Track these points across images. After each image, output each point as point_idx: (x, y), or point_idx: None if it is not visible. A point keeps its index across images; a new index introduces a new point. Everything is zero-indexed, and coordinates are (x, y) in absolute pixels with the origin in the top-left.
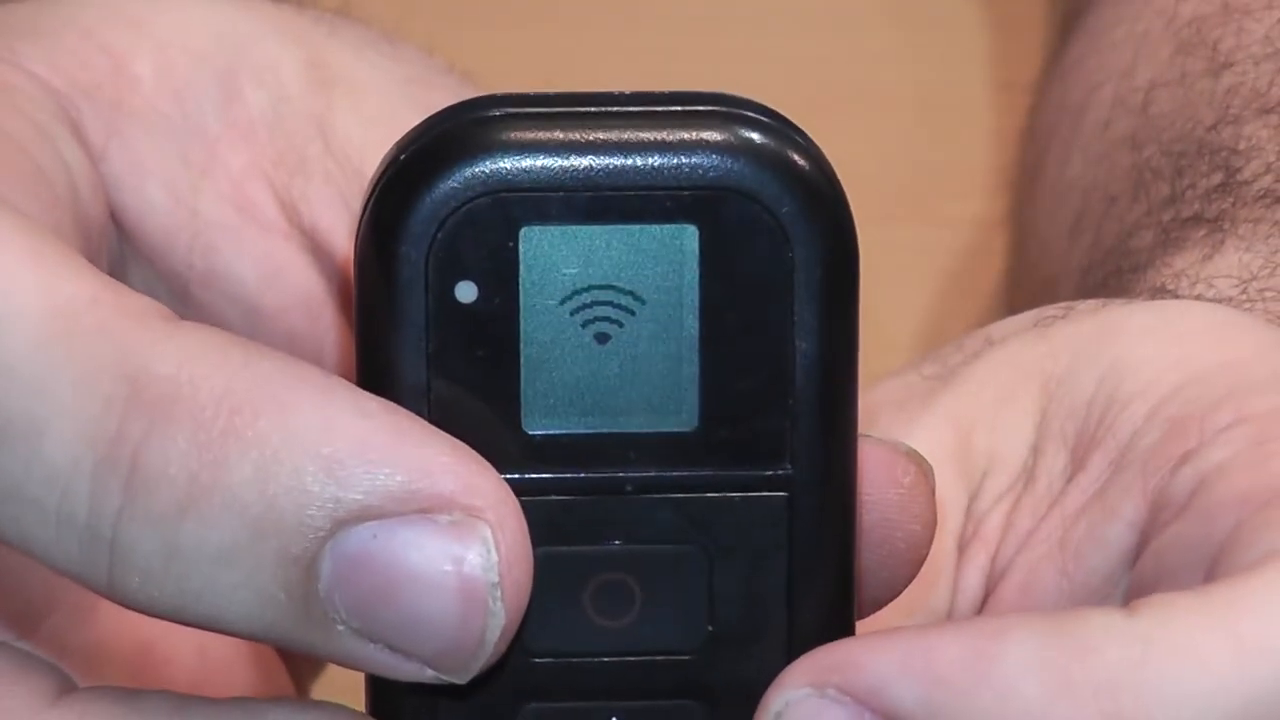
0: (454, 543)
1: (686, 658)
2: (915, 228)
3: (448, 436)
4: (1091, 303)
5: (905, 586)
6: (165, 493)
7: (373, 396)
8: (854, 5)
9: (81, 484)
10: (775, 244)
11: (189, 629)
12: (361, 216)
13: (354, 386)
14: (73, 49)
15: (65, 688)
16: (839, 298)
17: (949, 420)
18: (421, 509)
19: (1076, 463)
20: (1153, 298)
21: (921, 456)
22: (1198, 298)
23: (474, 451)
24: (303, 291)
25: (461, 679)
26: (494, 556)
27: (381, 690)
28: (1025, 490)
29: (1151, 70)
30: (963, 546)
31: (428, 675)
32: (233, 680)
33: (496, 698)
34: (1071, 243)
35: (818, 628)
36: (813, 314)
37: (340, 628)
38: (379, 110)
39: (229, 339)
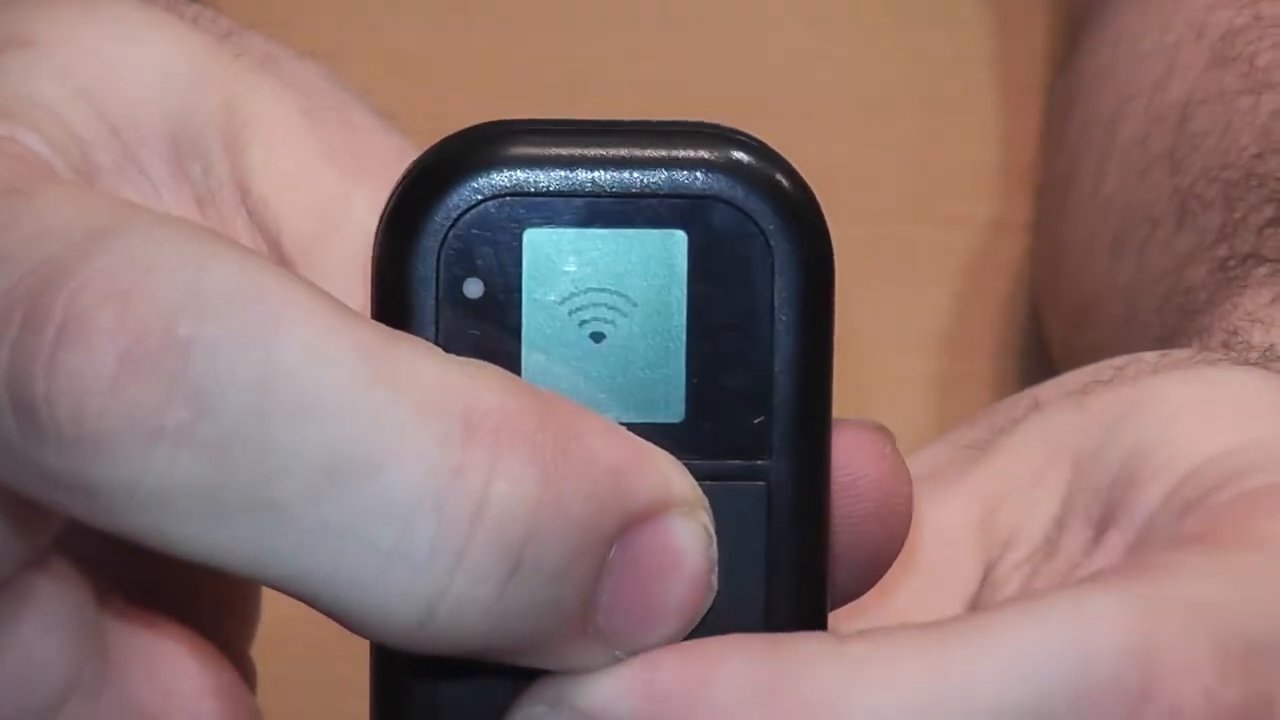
0: (698, 532)
1: None
2: (920, 227)
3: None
4: (1142, 360)
5: (903, 545)
6: (515, 519)
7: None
8: (857, 5)
9: (426, 518)
10: (758, 251)
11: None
12: (382, 217)
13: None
14: (54, 128)
15: None
16: (816, 301)
17: (977, 495)
18: (672, 506)
19: (1098, 540)
20: (1226, 342)
21: (882, 424)
22: (1271, 347)
23: None
24: None
25: None
26: (714, 538)
27: (390, 684)
28: (1044, 561)
29: (1186, 84)
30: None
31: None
32: None
33: (494, 684)
34: (1113, 261)
35: (791, 612)
36: (791, 316)
37: (590, 632)
38: (286, 157)
39: (496, 367)
